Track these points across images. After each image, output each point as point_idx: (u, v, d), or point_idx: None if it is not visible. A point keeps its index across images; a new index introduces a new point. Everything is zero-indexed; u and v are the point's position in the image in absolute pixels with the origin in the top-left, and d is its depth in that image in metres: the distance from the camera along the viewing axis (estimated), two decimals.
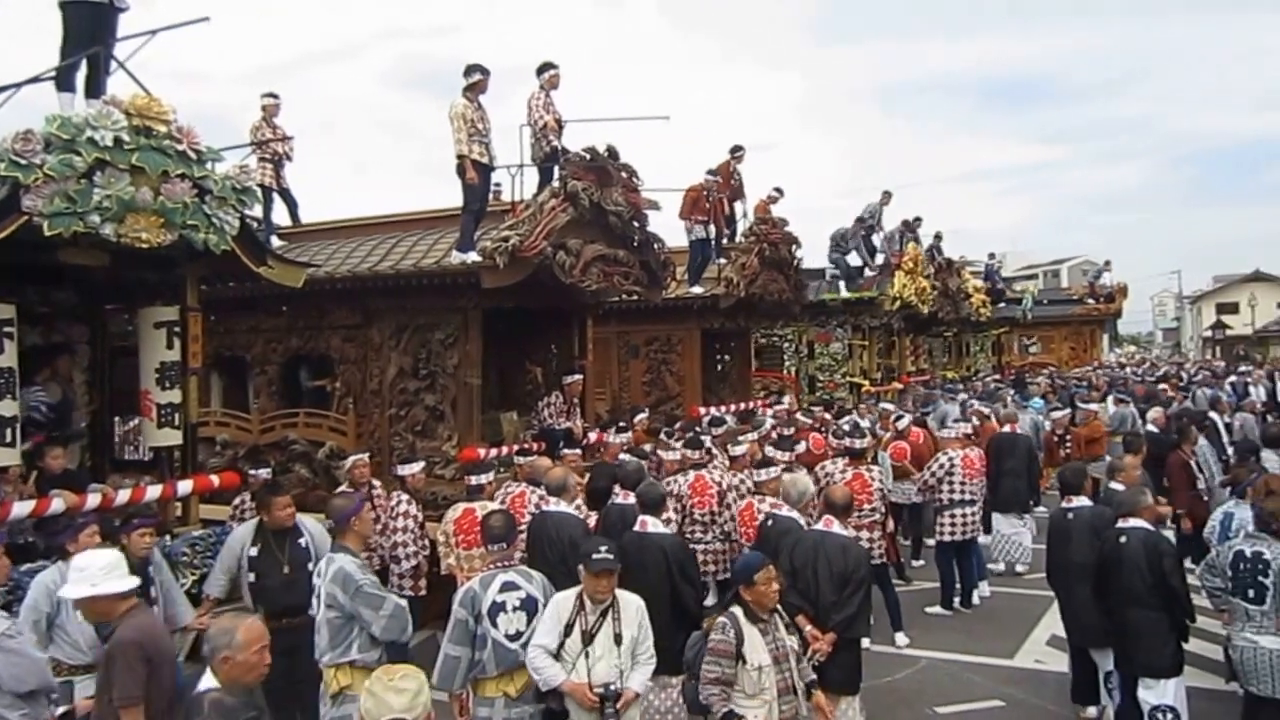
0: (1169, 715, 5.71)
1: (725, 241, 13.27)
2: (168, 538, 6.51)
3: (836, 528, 5.84)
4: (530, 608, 4.80)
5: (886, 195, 18.17)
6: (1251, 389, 18.72)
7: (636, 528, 6.04)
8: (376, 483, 7.93)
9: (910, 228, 19.14)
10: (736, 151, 13.61)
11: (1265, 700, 5.49)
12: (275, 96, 10.40)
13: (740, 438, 9.05)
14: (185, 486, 7.00)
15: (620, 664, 4.65)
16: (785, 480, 6.91)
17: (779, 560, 5.79)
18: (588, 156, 8.88)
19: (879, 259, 18.15)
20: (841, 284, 17.85)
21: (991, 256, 29.76)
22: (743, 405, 12.68)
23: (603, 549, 4.73)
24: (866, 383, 18.11)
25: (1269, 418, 13.91)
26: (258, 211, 8.90)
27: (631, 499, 6.58)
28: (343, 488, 7.35)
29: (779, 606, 4.78)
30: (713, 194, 12.73)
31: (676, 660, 5.83)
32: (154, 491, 6.62)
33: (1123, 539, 5.89)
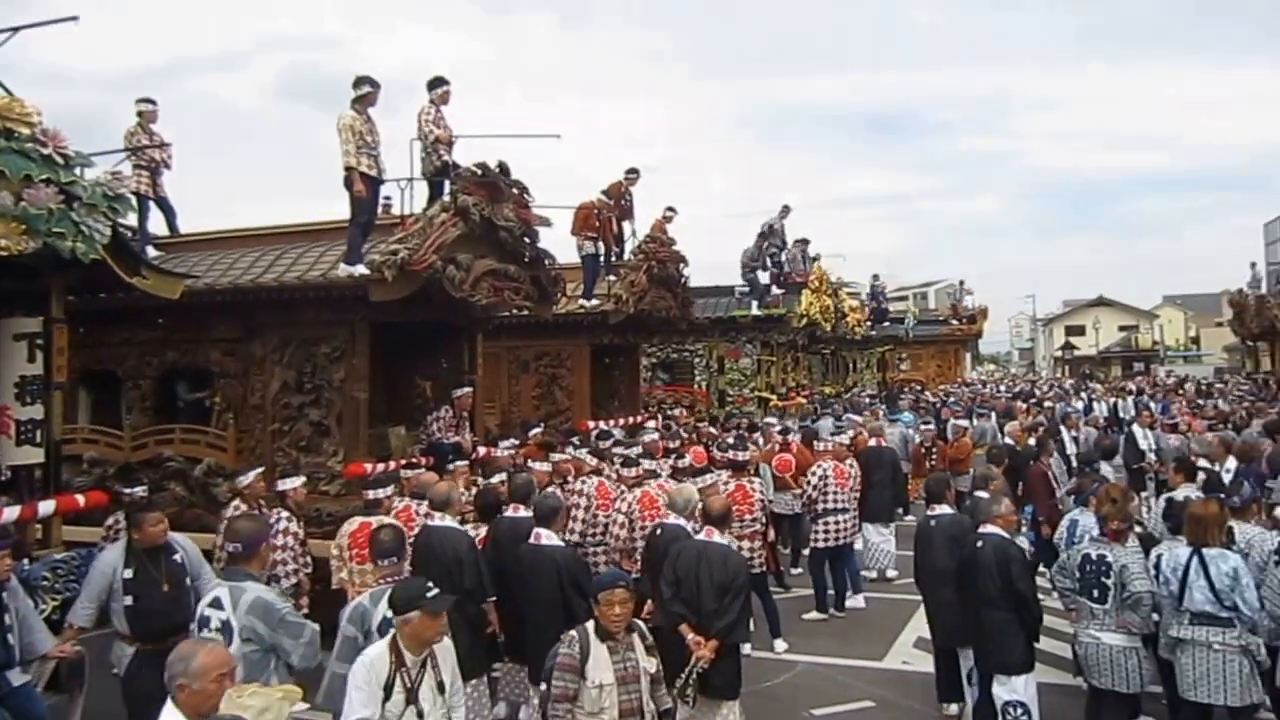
0: (1020, 709, 6.03)
1: (615, 259, 13.47)
2: (26, 561, 6.15)
3: (717, 537, 5.95)
4: None
5: (785, 209, 18.70)
6: (1095, 405, 20.16)
7: (531, 540, 6.11)
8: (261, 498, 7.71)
9: (802, 247, 19.78)
10: (631, 174, 13.84)
11: (1107, 693, 5.90)
12: (152, 102, 10.03)
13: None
14: (47, 507, 6.62)
15: (445, 715, 4.26)
16: (671, 490, 7.06)
17: (663, 569, 5.98)
18: (479, 172, 8.90)
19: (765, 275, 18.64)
20: (754, 303, 18.28)
21: (876, 278, 30.96)
22: (632, 419, 12.87)
23: (432, 587, 4.20)
24: (774, 397, 18.61)
25: (1110, 432, 15.04)
26: (132, 220, 8.55)
27: (522, 512, 6.63)
28: (236, 505, 7.14)
29: (641, 626, 4.73)
30: (602, 212, 12.96)
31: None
32: (11, 513, 6.25)
33: (979, 544, 6.22)
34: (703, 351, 18.78)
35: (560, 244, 12.18)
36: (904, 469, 12.19)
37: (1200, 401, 19.79)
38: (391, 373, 10.10)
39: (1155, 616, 6.02)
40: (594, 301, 12.71)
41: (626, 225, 13.91)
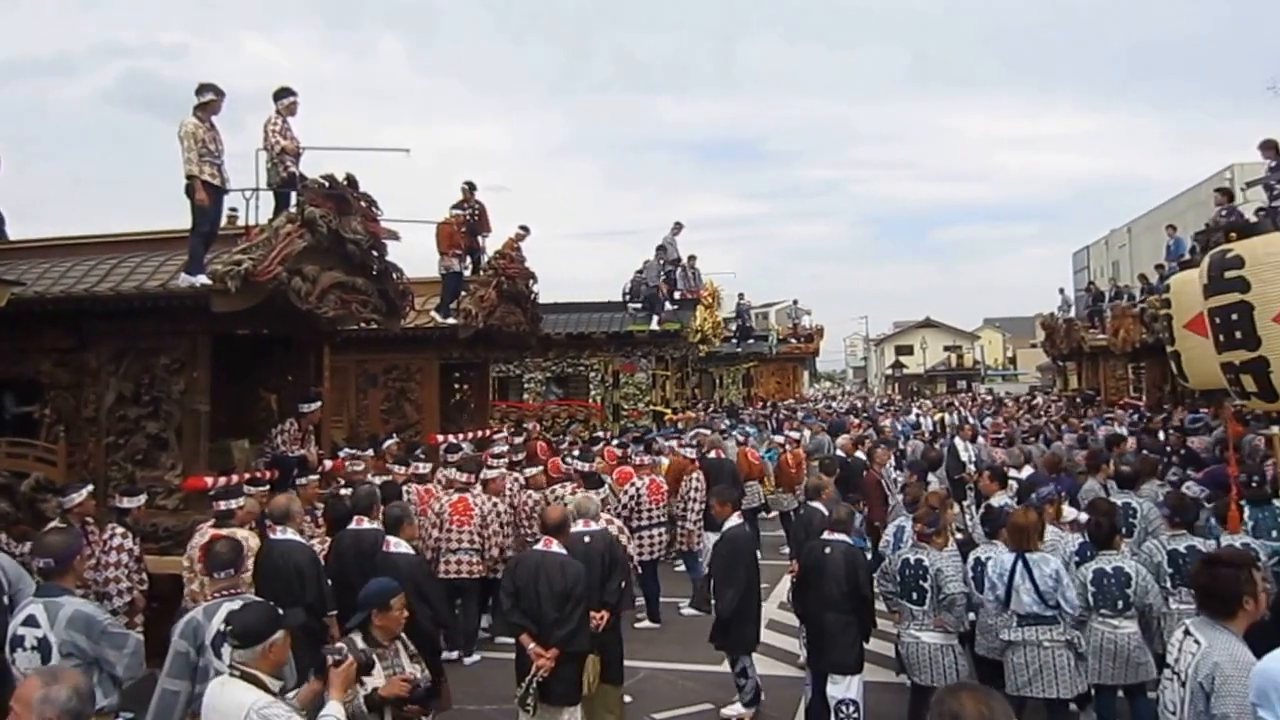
0: (851, 708, 6.39)
1: (468, 274, 13.56)
2: None
3: (555, 547, 6.02)
4: None
5: (677, 226, 19.06)
6: (922, 420, 21.68)
7: (383, 547, 6.18)
8: (89, 516, 7.41)
9: (693, 263, 20.21)
10: (469, 186, 13.95)
11: (927, 689, 6.23)
12: None
13: (493, 461, 9.58)
14: None
15: None
16: (580, 499, 7.09)
17: (502, 580, 6.13)
18: (326, 184, 8.83)
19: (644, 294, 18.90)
20: (653, 318, 18.51)
21: (741, 297, 31.83)
22: (480, 433, 12.95)
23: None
24: (669, 411, 18.88)
25: (936, 444, 16.23)
26: None
27: (366, 524, 6.67)
28: (55, 523, 6.82)
29: (403, 635, 4.70)
30: (460, 228, 13.09)
31: None
32: None
33: (827, 550, 6.56)
34: (598, 366, 18.98)
35: (409, 257, 12.23)
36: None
37: (1022, 416, 21.61)
38: (235, 385, 9.84)
39: (971, 616, 6.57)
40: (451, 320, 12.74)
41: (479, 239, 14.03)
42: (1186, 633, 3.82)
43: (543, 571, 5.82)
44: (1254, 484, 7.16)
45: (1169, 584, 6.43)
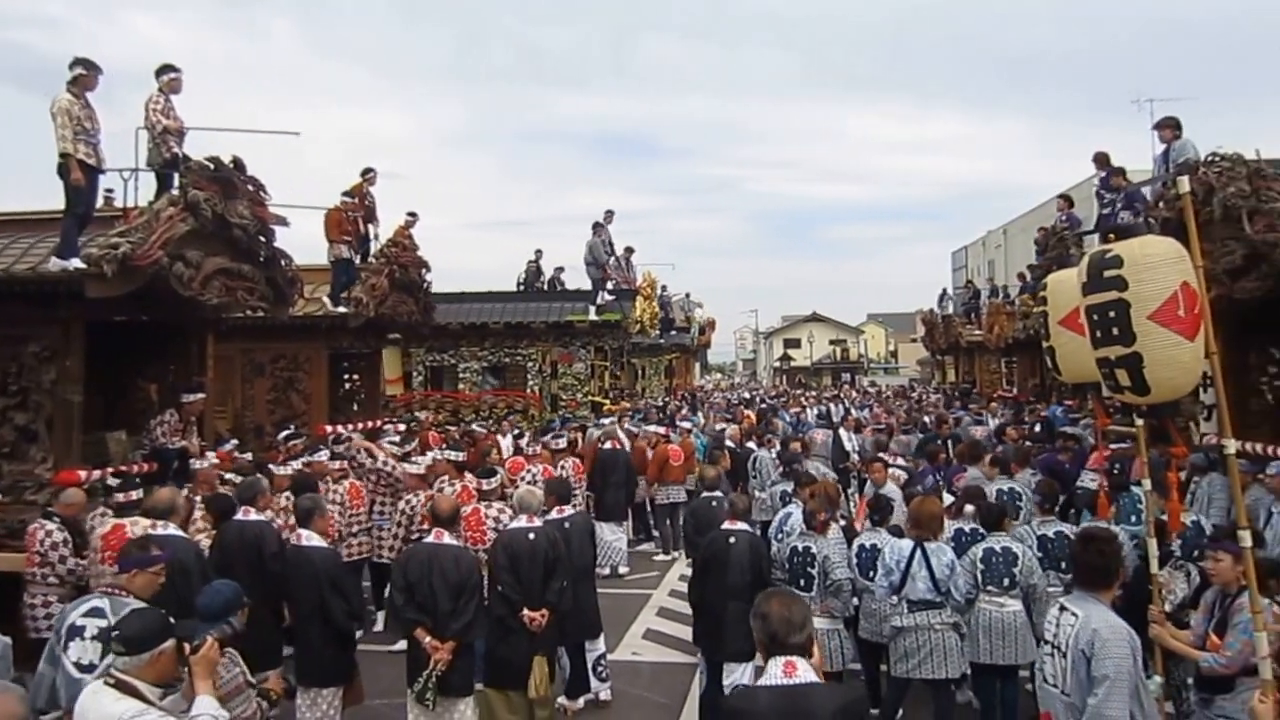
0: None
1: (358, 262, 13.21)
2: None
3: (448, 539, 6.00)
4: (107, 640, 4.15)
5: (609, 214, 18.83)
6: (809, 410, 22.27)
7: (294, 540, 6.01)
8: None
9: (628, 255, 20.08)
10: (368, 173, 13.60)
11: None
12: None
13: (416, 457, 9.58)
14: None
15: None
16: (518, 494, 6.97)
17: (393, 575, 6.03)
18: (211, 166, 8.48)
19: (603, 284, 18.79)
20: (591, 308, 18.31)
21: (664, 289, 31.88)
22: (370, 424, 12.66)
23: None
24: (607, 401, 18.71)
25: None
26: None
27: (253, 515, 6.46)
28: None
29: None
30: (351, 214, 12.73)
31: (329, 672, 5.88)
32: None
33: (731, 539, 6.66)
34: (536, 356, 18.74)
35: (298, 244, 11.86)
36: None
37: (900, 407, 22.45)
38: (112, 375, 9.35)
39: (855, 601, 6.84)
40: (342, 309, 12.40)
41: (370, 227, 13.70)
42: (1063, 608, 4.11)
43: (436, 564, 5.78)
44: (1116, 471, 7.75)
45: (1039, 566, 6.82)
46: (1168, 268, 4.04)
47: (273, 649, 6.00)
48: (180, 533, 6.05)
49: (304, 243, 12.87)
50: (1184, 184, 4.41)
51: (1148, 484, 5.45)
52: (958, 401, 21.19)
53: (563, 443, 11.99)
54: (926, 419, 17.61)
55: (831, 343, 70.07)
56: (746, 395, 34.50)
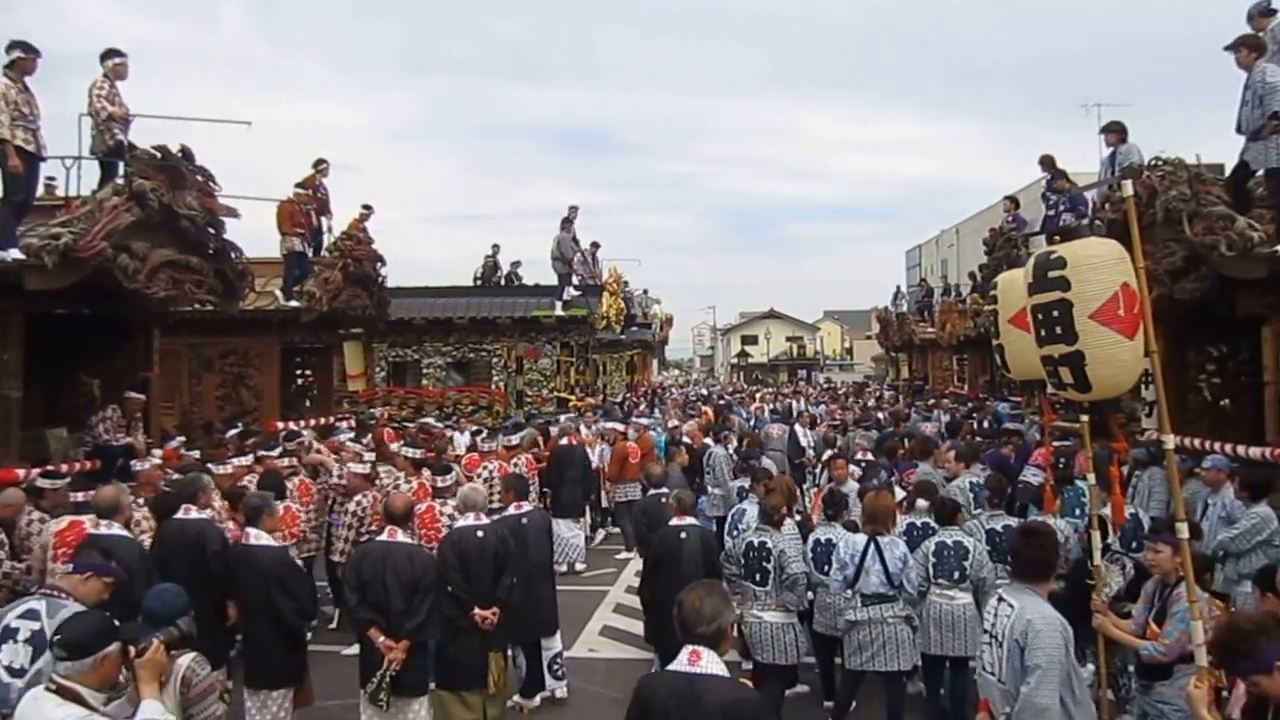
0: None
1: (311, 255, 13.03)
2: None
3: (401, 537, 5.92)
4: (40, 643, 4.08)
5: (574, 209, 18.73)
6: (766, 407, 22.45)
7: (243, 540, 5.90)
8: None
9: (594, 250, 19.98)
10: (320, 165, 13.43)
11: (769, 666, 6.56)
12: None
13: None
14: None
15: None
16: (463, 492, 6.89)
17: (346, 574, 5.95)
18: (158, 155, 8.34)
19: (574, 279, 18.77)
20: (557, 303, 18.16)
21: (625, 284, 31.80)
22: (324, 420, 12.52)
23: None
24: (573, 397, 18.61)
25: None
26: None
27: (193, 514, 6.34)
28: None
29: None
30: (304, 206, 12.55)
31: (278, 673, 5.78)
32: None
33: (682, 535, 6.71)
34: (501, 351, 18.59)
35: (249, 237, 11.68)
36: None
37: (854, 404, 22.71)
38: (53, 369, 9.12)
39: (810, 595, 6.90)
40: (294, 303, 12.22)
41: (324, 220, 13.53)
42: (1000, 599, 4.24)
43: (389, 562, 5.70)
44: (1061, 465, 7.94)
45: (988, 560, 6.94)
46: (1109, 269, 4.14)
47: (217, 650, 5.89)
48: (125, 532, 5.93)
49: (256, 235, 12.72)
50: (1127, 188, 4.51)
51: (1091, 478, 5.56)
52: (908, 398, 21.52)
53: (516, 439, 11.96)
54: (880, 415, 17.84)
55: (788, 339, 70.61)
56: (704, 391, 34.67)
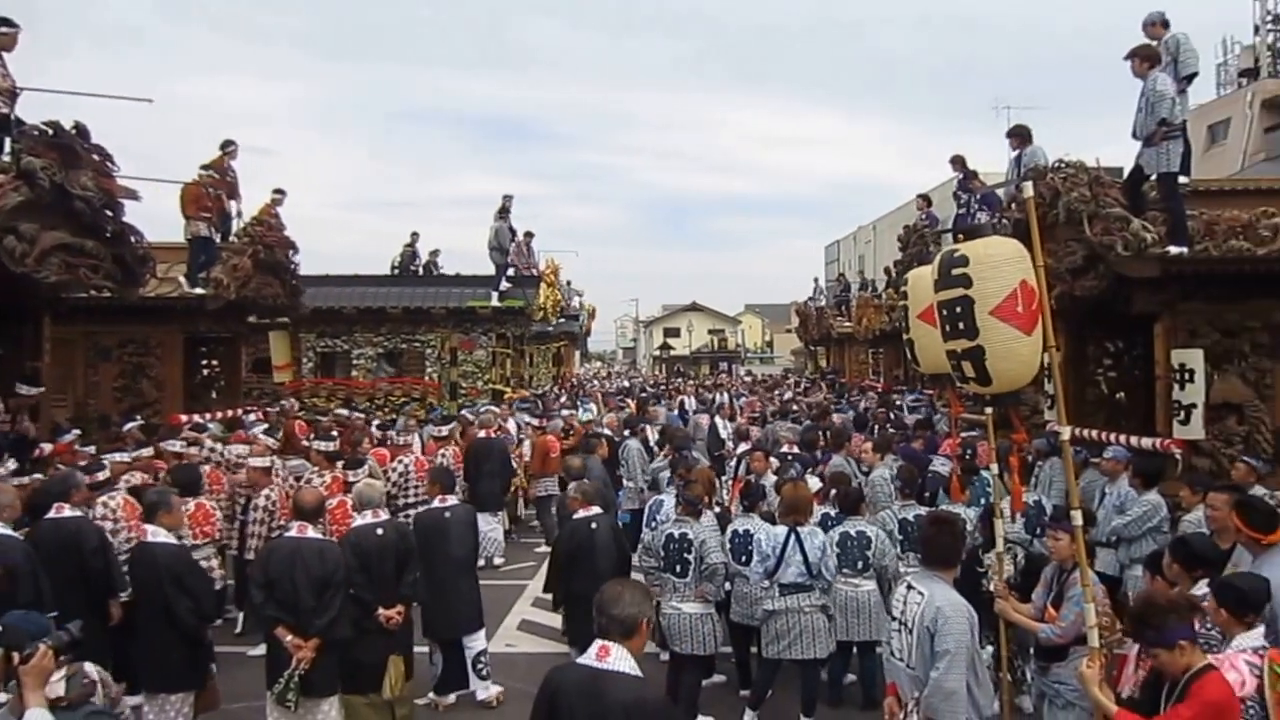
0: None
1: (219, 241, 12.58)
2: None
3: (311, 532, 5.79)
4: None
5: (509, 198, 18.40)
6: (686, 400, 22.55)
7: (140, 537, 5.68)
8: None
9: (529, 240, 19.68)
10: (228, 146, 12.94)
11: (687, 657, 6.63)
12: None
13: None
14: None
15: None
16: (357, 489, 6.73)
17: (253, 572, 5.78)
18: (50, 132, 7.92)
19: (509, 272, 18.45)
20: (494, 294, 17.80)
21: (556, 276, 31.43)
22: (231, 413, 12.12)
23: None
24: (509, 389, 18.30)
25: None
26: None
27: (66, 512, 6.05)
28: None
29: None
30: (210, 189, 12.10)
31: (178, 676, 5.57)
32: None
33: (594, 525, 6.75)
34: (435, 342, 18.20)
35: (151, 220, 11.21)
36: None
37: (772, 396, 22.99)
38: None
39: (727, 586, 6.95)
40: (200, 290, 11.77)
41: (232, 204, 13.07)
42: (909, 586, 4.36)
43: (299, 559, 5.57)
44: (967, 456, 8.19)
45: (899, 549, 7.13)
46: (1009, 267, 4.26)
47: (99, 652, 5.64)
48: (10, 531, 5.64)
49: (158, 219, 12.23)
50: (1028, 189, 4.65)
51: (994, 468, 5.74)
52: (827, 391, 21.91)
53: (444, 431, 11.80)
54: (796, 407, 18.13)
55: (710, 332, 71.19)
56: (625, 384, 34.71)
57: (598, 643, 3.28)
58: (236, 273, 12.05)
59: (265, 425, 11.64)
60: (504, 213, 18.18)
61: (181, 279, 11.78)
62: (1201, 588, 4.36)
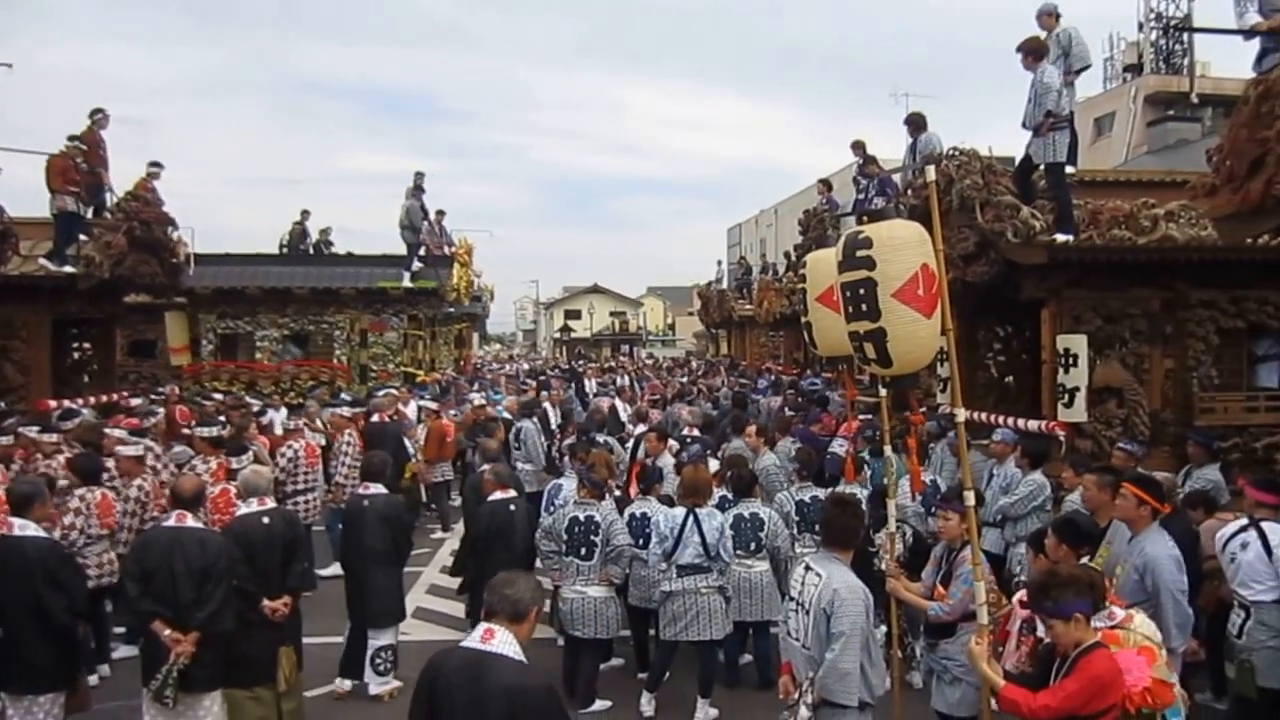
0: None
1: (90, 216, 11.84)
2: None
3: (191, 521, 5.54)
4: None
5: (420, 176, 17.86)
6: (587, 382, 22.49)
7: (4, 530, 5.27)
8: None
9: (440, 218, 19.16)
10: (96, 115, 12.18)
11: (587, 640, 6.66)
12: None
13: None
14: None
15: None
16: (243, 476, 6.43)
17: (128, 564, 5.47)
18: None
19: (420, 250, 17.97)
20: (405, 274, 17.25)
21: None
22: (105, 398, 11.46)
23: None
24: (421, 372, 17.77)
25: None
26: None
27: None
28: None
29: None
30: (79, 162, 11.35)
31: (46, 676, 5.23)
32: None
33: (512, 508, 6.75)
34: (344, 324, 17.50)
35: (13, 194, 10.47)
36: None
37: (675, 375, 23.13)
38: None
39: (627, 570, 6.91)
40: (69, 269, 11.05)
41: (105, 177, 12.31)
42: (807, 568, 4.41)
43: (177, 549, 5.30)
44: (875, 437, 8.35)
45: (796, 530, 7.22)
46: (910, 250, 4.29)
47: None
48: None
49: (22, 192, 11.39)
50: (930, 173, 4.69)
51: (889, 450, 5.83)
52: (727, 374, 22.12)
53: (348, 413, 11.47)
54: (695, 389, 18.28)
55: (612, 314, 71.13)
56: (525, 366, 34.40)
57: (483, 625, 3.25)
58: (110, 250, 11.38)
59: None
60: (418, 190, 17.72)
61: (43, 260, 11.02)
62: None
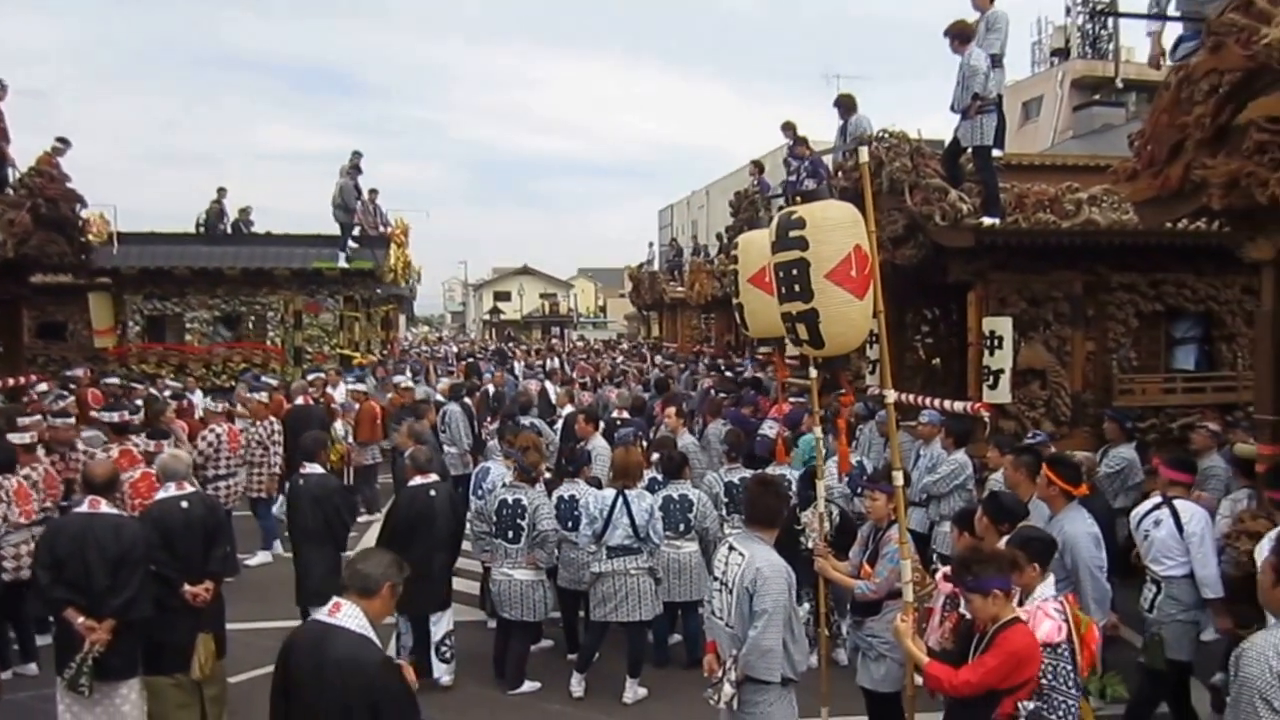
0: (450, 639, 6.76)
1: None
2: None
3: (105, 507, 5.39)
4: None
5: (357, 154, 17.29)
6: (517, 365, 22.34)
7: None
8: None
9: (374, 198, 18.71)
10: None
11: (516, 623, 6.69)
12: None
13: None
14: None
15: None
16: (160, 460, 6.27)
17: (39, 552, 5.26)
18: None
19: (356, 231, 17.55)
20: (340, 254, 16.76)
21: None
22: (11, 382, 10.91)
23: None
24: (358, 355, 17.34)
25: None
26: None
27: None
28: None
29: None
30: None
31: None
32: None
33: (433, 493, 6.66)
34: (277, 305, 16.96)
35: None
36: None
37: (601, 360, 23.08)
38: None
39: (556, 553, 6.92)
40: None
41: (4, 150, 11.65)
42: (731, 547, 4.48)
43: (91, 536, 5.17)
44: (824, 415, 8.47)
45: (725, 511, 7.28)
46: (843, 231, 4.31)
47: None
48: None
49: None
50: (863, 154, 4.70)
51: (818, 431, 5.88)
52: (646, 356, 22.16)
53: (265, 397, 11.23)
54: (624, 372, 18.28)
55: (542, 296, 70.59)
56: (454, 349, 33.97)
57: (333, 599, 3.38)
58: (14, 228, 10.78)
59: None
60: (354, 170, 17.29)
61: None
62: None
